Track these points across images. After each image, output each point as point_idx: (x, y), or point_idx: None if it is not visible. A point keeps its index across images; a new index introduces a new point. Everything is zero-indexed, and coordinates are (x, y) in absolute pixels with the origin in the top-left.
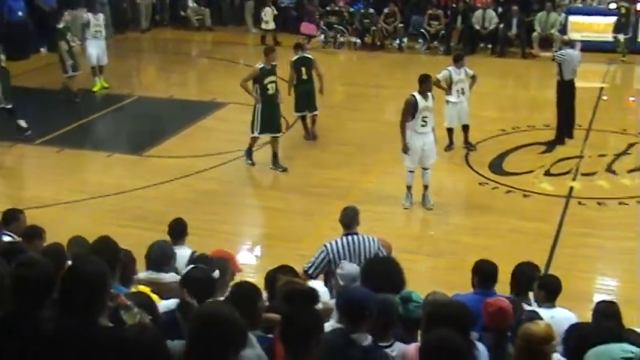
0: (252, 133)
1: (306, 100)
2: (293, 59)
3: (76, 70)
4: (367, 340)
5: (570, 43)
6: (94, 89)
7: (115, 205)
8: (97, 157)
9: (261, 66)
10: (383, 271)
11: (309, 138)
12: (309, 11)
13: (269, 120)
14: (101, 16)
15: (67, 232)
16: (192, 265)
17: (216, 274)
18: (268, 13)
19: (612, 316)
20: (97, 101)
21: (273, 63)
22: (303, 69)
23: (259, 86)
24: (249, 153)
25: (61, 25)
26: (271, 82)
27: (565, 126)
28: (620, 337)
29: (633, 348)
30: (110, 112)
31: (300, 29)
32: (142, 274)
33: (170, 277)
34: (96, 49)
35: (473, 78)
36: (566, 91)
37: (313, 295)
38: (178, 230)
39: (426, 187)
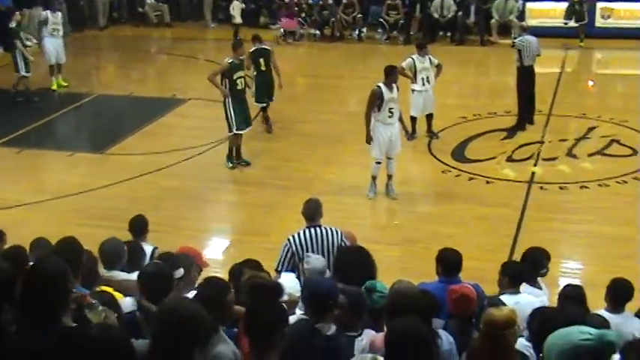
0: (232, 130)
1: (265, 90)
2: (251, 50)
3: (29, 71)
4: (331, 329)
5: (528, 29)
6: (53, 88)
7: (77, 204)
8: (58, 157)
9: (230, 61)
10: (354, 262)
11: (270, 129)
12: (288, 5)
13: (243, 115)
14: (59, 14)
15: (29, 234)
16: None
17: (180, 272)
18: (236, 7)
19: (577, 300)
20: (57, 100)
21: (242, 57)
22: (262, 60)
23: (229, 81)
24: (231, 155)
25: (13, 25)
26: (240, 77)
27: (526, 112)
28: (584, 320)
29: (592, 330)
30: (70, 110)
31: (280, 24)
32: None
33: (124, 275)
34: (54, 48)
35: (438, 67)
36: (525, 77)
37: (277, 289)
38: (139, 227)
39: (390, 177)
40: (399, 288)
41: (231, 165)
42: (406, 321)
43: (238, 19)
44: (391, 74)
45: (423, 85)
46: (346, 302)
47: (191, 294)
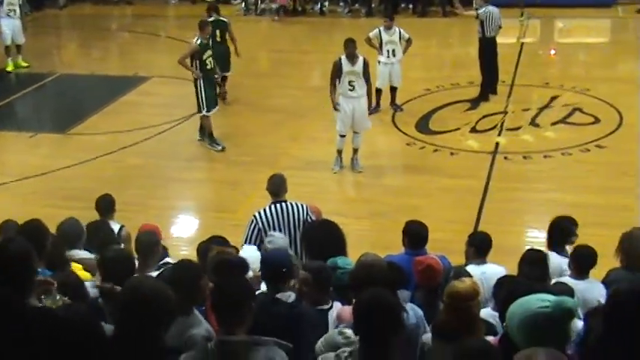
0: (202, 112)
1: (220, 62)
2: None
3: None
4: (291, 297)
5: (490, 0)
6: (8, 69)
7: (42, 185)
8: (19, 138)
9: (199, 41)
10: (322, 236)
11: (224, 98)
12: None
13: (212, 95)
14: None
15: None
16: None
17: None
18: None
19: (537, 264)
20: (17, 81)
21: (209, 36)
22: (218, 32)
23: (199, 62)
24: (211, 138)
25: None
26: (209, 56)
27: (489, 83)
28: (545, 286)
29: (550, 297)
30: (31, 91)
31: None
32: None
33: (84, 253)
34: (10, 29)
35: (408, 41)
36: (488, 49)
37: (242, 264)
38: (106, 206)
39: (355, 151)
40: (364, 260)
41: (218, 146)
42: (373, 291)
43: None
44: (347, 46)
45: (388, 57)
46: (310, 277)
47: (155, 273)
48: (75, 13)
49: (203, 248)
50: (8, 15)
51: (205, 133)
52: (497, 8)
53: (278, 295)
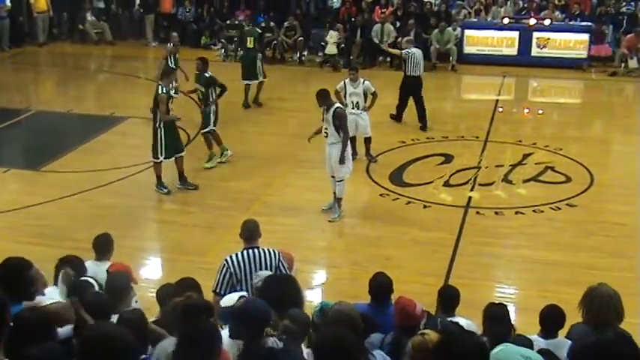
0: (159, 158)
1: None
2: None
3: None
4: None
5: (414, 43)
6: None
7: (12, 221)
8: None
9: (164, 90)
10: (280, 291)
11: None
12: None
13: (171, 144)
14: None
15: None
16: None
17: None
18: (333, 36)
19: (501, 319)
20: None
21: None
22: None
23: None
24: (159, 181)
25: None
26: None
27: (402, 110)
28: (508, 339)
29: (532, 353)
30: (6, 127)
31: None
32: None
33: (47, 299)
34: None
35: (374, 94)
36: (408, 84)
37: (209, 308)
38: (103, 246)
39: (334, 196)
40: (338, 308)
41: (165, 189)
42: (335, 329)
43: (334, 49)
44: (318, 97)
45: (353, 108)
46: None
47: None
48: (55, 51)
49: (164, 291)
50: None
51: (184, 179)
52: (420, 50)
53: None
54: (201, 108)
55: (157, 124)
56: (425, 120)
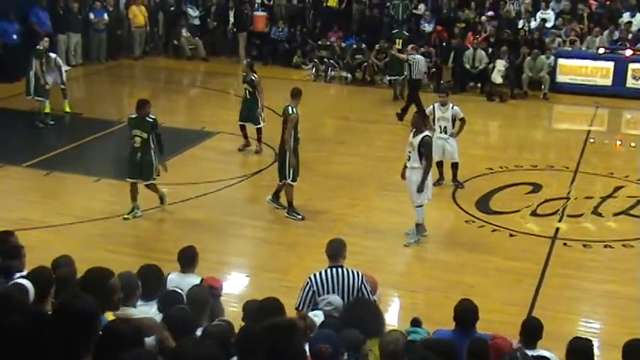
0: (287, 180)
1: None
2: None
3: (43, 96)
4: None
5: (418, 50)
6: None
7: (102, 229)
8: (84, 182)
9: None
10: (362, 317)
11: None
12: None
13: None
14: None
15: (53, 255)
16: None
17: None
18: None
19: (585, 354)
20: (86, 126)
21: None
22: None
23: (293, 132)
24: (290, 207)
25: (40, 47)
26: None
27: (408, 106)
28: None
29: None
30: (99, 137)
31: None
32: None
33: (138, 312)
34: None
35: (462, 120)
36: (413, 87)
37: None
38: (188, 258)
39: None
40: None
41: (298, 216)
42: None
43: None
44: (413, 117)
45: (440, 132)
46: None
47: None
48: (149, 65)
49: (250, 305)
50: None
51: (278, 196)
52: (423, 57)
53: None
54: None
55: (284, 147)
56: (405, 113)
